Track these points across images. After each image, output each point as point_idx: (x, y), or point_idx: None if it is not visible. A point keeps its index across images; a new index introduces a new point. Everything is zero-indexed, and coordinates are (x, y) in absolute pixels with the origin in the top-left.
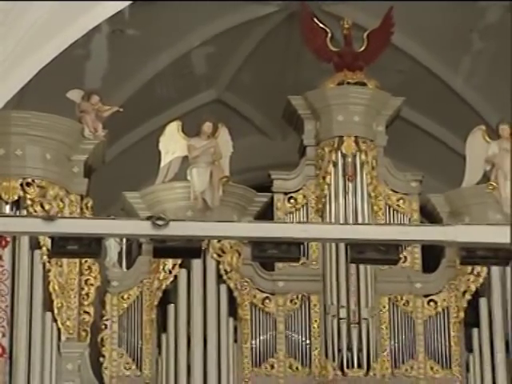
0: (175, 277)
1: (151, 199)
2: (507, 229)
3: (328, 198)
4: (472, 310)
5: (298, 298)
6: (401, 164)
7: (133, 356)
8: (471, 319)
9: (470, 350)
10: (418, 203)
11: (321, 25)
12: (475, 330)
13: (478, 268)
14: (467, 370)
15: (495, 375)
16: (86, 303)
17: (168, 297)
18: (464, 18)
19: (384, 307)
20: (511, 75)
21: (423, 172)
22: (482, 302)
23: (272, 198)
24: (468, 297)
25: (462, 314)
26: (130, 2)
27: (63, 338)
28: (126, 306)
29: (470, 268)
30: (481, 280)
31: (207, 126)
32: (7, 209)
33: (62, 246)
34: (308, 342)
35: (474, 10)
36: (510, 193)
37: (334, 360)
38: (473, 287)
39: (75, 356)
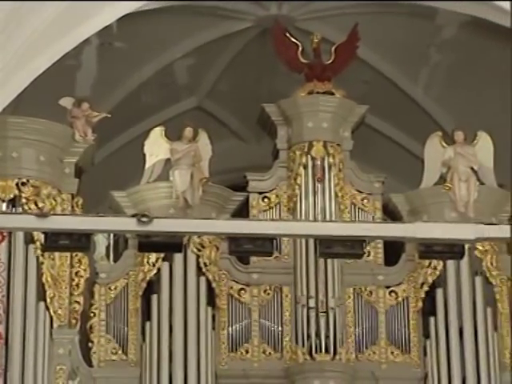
0: (158, 269)
1: (136, 198)
2: (462, 226)
3: (299, 197)
4: (429, 300)
5: (270, 289)
6: (365, 166)
7: (119, 342)
8: (428, 308)
9: (427, 336)
10: (380, 202)
11: (292, 39)
12: (432, 318)
13: (434, 262)
14: (424, 354)
15: (450, 359)
16: (76, 293)
17: (152, 288)
18: (423, 33)
19: (349, 297)
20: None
21: (385, 174)
22: (439, 292)
23: (247, 198)
24: (426, 288)
25: (420, 304)
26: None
27: (55, 325)
28: (113, 296)
29: (427, 262)
30: (437, 273)
31: (188, 131)
32: (4, 206)
33: (55, 241)
34: (280, 329)
35: (432, 26)
36: (464, 193)
37: (303, 346)
38: (430, 279)
39: (66, 342)
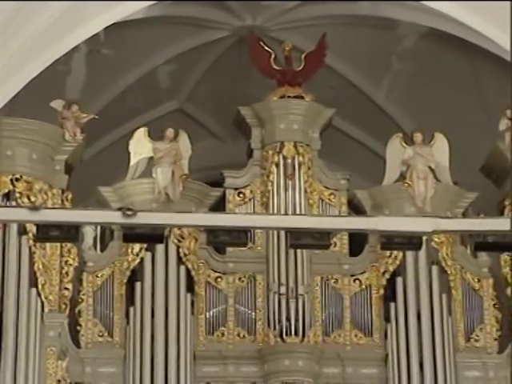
0: (141, 259)
1: (122, 193)
2: (420, 219)
3: (271, 193)
4: (390, 287)
5: (245, 277)
6: (332, 165)
7: (105, 325)
8: (389, 295)
9: (387, 320)
10: (346, 198)
11: (266, 47)
12: (392, 304)
13: (395, 252)
14: (385, 337)
15: (408, 341)
16: (65, 280)
17: (135, 275)
18: (385, 43)
19: (317, 285)
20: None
21: (351, 172)
22: (398, 280)
23: (224, 193)
24: (387, 276)
25: (381, 291)
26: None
27: (46, 309)
28: (99, 283)
29: (388, 252)
30: (397, 262)
31: (170, 132)
32: None
33: (46, 232)
34: (253, 314)
35: (393, 37)
36: (422, 189)
37: (274, 329)
38: (391, 268)
39: (56, 325)
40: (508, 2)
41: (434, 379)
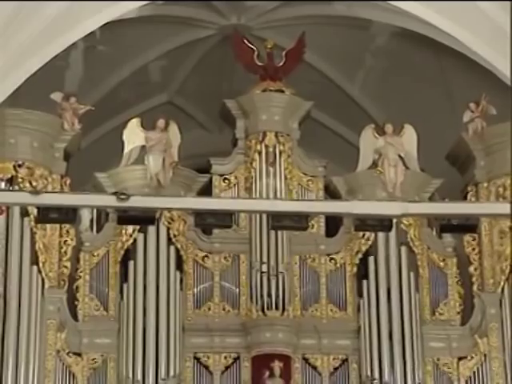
0: (134, 239)
1: (116, 178)
2: (390, 204)
3: (254, 179)
4: (362, 265)
5: (230, 256)
6: (310, 153)
7: (101, 300)
8: (362, 273)
9: (360, 296)
10: (323, 184)
11: (249, 45)
12: (365, 281)
13: (367, 233)
14: (358, 311)
15: (379, 315)
16: (64, 259)
17: (129, 255)
18: (359, 41)
19: (296, 263)
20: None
21: (327, 159)
22: (370, 259)
23: (211, 179)
24: (360, 256)
25: (355, 269)
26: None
27: (46, 285)
28: (95, 261)
29: (361, 234)
30: (369, 243)
31: (160, 122)
32: (2, 185)
33: (46, 215)
34: (237, 290)
35: (367, 35)
36: (392, 176)
37: (257, 304)
38: (363, 248)
39: (56, 300)
40: (471, 4)
41: (402, 349)
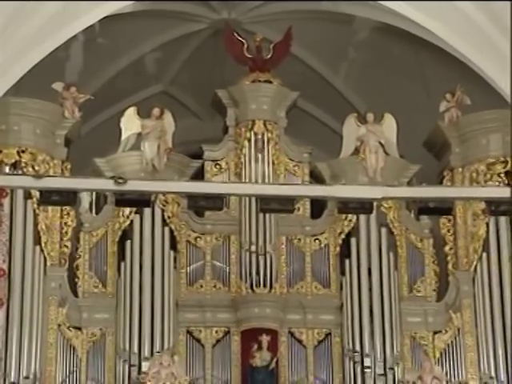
0: (131, 221)
1: (114, 164)
2: (371, 188)
3: (244, 164)
4: (345, 245)
5: (221, 236)
6: (296, 140)
7: (99, 278)
8: (344, 252)
9: (343, 274)
10: (308, 169)
11: (239, 38)
12: (347, 260)
13: (350, 216)
14: (341, 288)
15: (360, 292)
16: (65, 239)
17: (126, 235)
18: (342, 35)
19: (282, 244)
20: None
21: (312, 146)
22: (353, 240)
23: (203, 164)
24: (342, 236)
25: (338, 249)
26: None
27: (48, 264)
28: (94, 241)
29: (344, 216)
30: (352, 225)
31: (156, 111)
32: (7, 169)
33: (48, 197)
34: (228, 268)
35: (350, 29)
36: (373, 162)
37: (246, 281)
38: (346, 230)
39: (57, 277)
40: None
41: (381, 324)
